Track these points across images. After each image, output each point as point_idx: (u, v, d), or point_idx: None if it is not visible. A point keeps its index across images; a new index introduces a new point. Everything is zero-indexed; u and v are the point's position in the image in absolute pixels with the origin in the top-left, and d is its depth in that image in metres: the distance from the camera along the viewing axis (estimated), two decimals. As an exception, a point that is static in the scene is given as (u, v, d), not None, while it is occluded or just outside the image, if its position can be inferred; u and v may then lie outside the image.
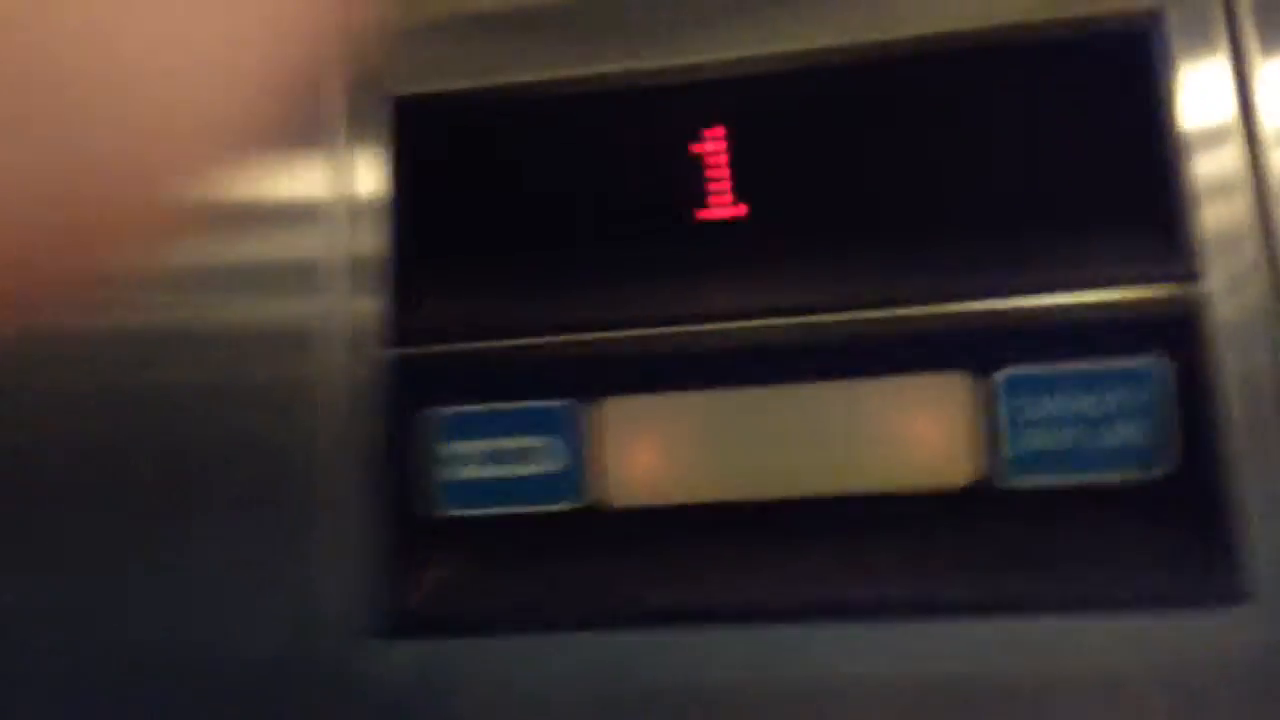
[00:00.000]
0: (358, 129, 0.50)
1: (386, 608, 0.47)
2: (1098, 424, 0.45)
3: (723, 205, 0.49)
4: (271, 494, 0.47)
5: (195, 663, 0.47)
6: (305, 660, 0.47)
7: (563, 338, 0.48)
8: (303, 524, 0.47)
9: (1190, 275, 0.44)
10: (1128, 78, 0.46)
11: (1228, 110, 0.45)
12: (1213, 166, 0.44)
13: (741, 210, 0.49)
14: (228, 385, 0.48)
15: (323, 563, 0.47)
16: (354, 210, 0.49)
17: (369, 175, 0.49)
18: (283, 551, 0.47)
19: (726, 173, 0.49)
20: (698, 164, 0.49)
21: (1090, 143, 0.47)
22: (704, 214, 0.49)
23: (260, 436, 0.48)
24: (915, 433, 0.47)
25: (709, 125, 0.49)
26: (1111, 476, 0.45)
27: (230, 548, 0.47)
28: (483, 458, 0.49)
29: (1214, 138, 0.45)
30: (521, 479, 0.49)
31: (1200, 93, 0.45)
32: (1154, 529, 0.45)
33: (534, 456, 0.49)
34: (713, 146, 0.49)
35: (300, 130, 0.50)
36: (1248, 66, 0.45)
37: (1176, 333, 0.44)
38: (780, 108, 0.49)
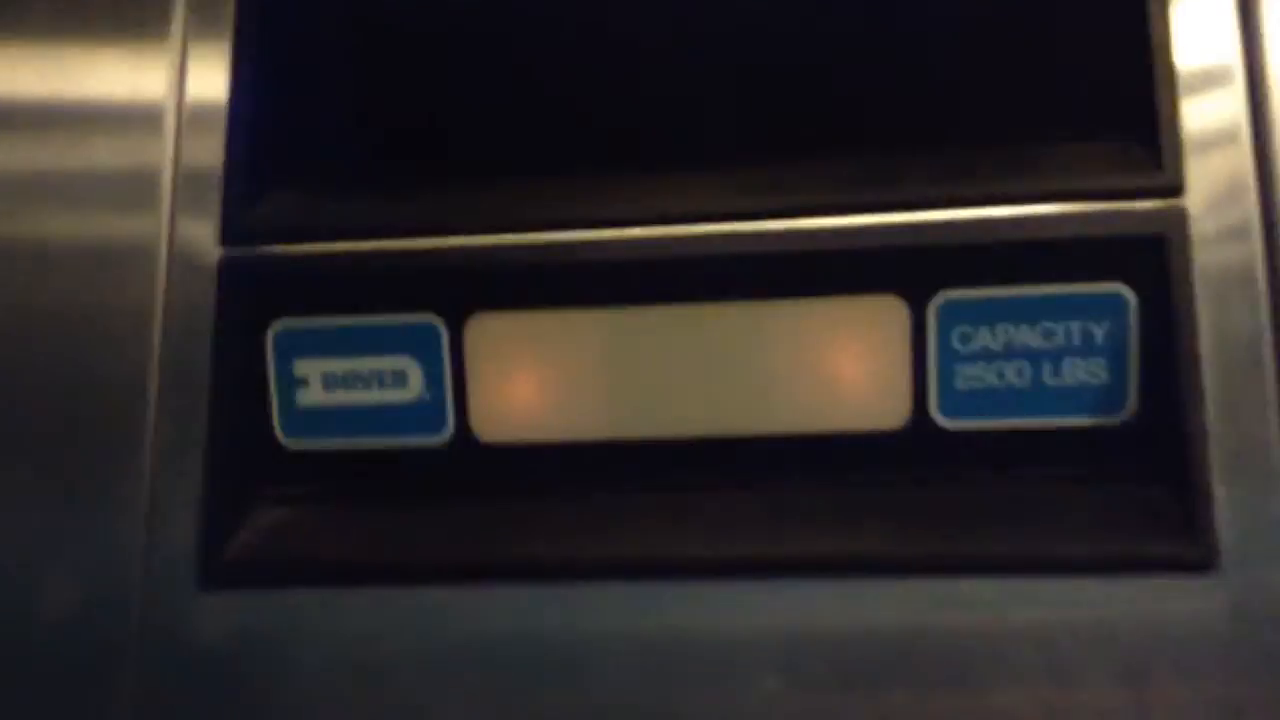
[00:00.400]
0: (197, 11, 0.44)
1: (214, 553, 0.41)
2: (1048, 359, 0.40)
3: (631, 89, 0.43)
4: (93, 424, 0.42)
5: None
6: (121, 612, 0.41)
7: (427, 241, 0.41)
8: (126, 458, 0.42)
9: (1167, 190, 0.38)
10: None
11: (1228, 40, 0.39)
12: (1208, 101, 0.39)
13: (651, 97, 0.43)
14: (42, 307, 0.43)
15: (148, 503, 0.41)
16: (190, 107, 0.43)
17: (208, 67, 0.43)
18: (103, 489, 0.42)
19: (638, 47, 0.43)
20: (601, 36, 0.43)
21: (1058, 44, 0.41)
22: (606, 101, 0.43)
23: (79, 363, 0.42)
24: (841, 364, 0.41)
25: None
26: (1063, 420, 0.40)
27: (42, 486, 0.42)
28: (332, 381, 0.43)
29: (1211, 70, 0.39)
30: (377, 407, 0.43)
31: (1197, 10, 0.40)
32: (1108, 482, 0.40)
33: (392, 380, 0.43)
34: (619, 24, 0.43)
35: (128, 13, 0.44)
36: None
37: (1145, 256, 0.39)
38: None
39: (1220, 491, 0.37)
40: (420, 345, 0.42)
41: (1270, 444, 0.37)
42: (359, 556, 0.41)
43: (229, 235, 0.42)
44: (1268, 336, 0.37)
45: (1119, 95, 0.40)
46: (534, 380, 0.42)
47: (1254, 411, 0.37)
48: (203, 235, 0.42)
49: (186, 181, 0.42)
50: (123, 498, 0.41)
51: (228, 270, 0.42)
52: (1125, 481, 0.40)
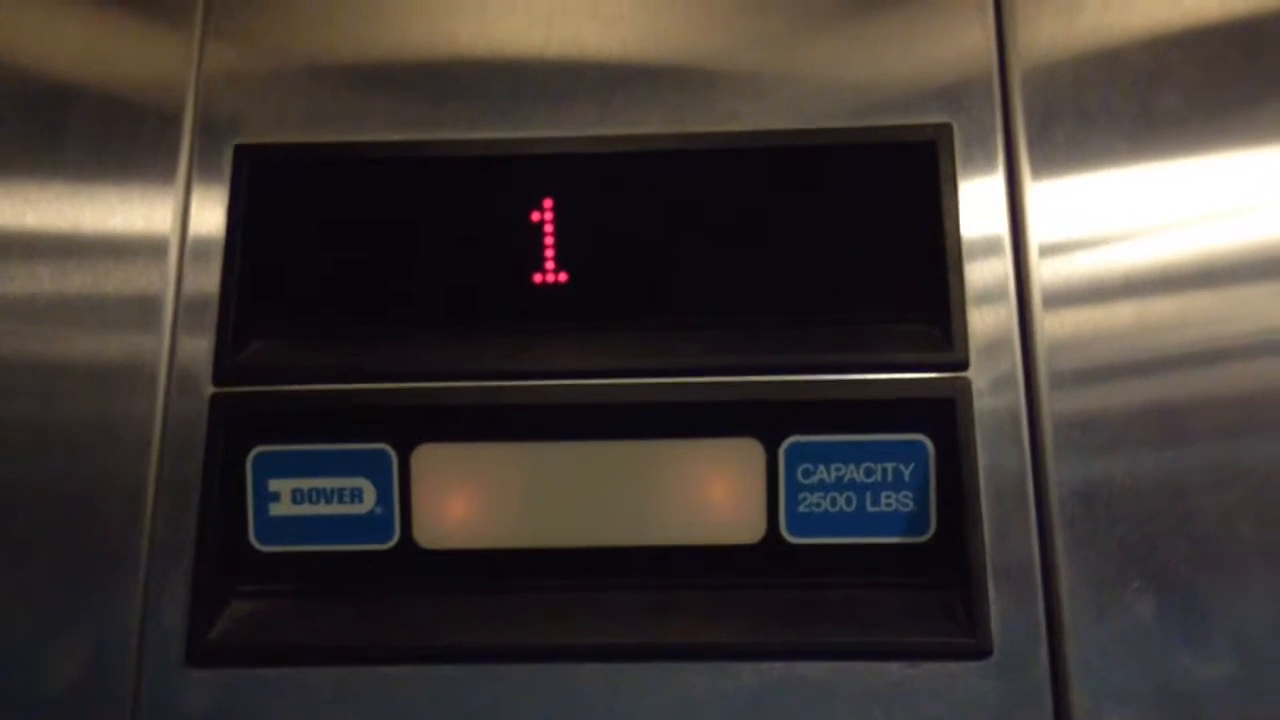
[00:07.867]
0: (201, 171, 0.51)
1: (199, 636, 0.47)
2: (870, 491, 0.49)
3: (547, 272, 0.51)
4: (90, 527, 0.48)
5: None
6: (119, 684, 0.47)
7: (381, 386, 0.49)
8: (120, 556, 0.48)
9: (957, 367, 0.48)
10: (918, 184, 0.49)
11: (1000, 222, 0.49)
12: (984, 271, 0.49)
13: (564, 278, 0.51)
14: (48, 419, 0.49)
15: (144, 593, 0.47)
16: (190, 249, 0.50)
17: (208, 217, 0.50)
18: (105, 581, 0.47)
19: (553, 242, 0.51)
20: (527, 232, 0.51)
21: (883, 241, 0.51)
22: (528, 280, 0.51)
23: (81, 470, 0.48)
24: (712, 491, 0.50)
25: (540, 196, 0.51)
26: (881, 539, 0.49)
27: (42, 578, 0.48)
28: (300, 496, 0.50)
29: (986, 246, 0.49)
30: (336, 517, 0.50)
31: (977, 203, 0.50)
32: (914, 588, 0.49)
33: (348, 496, 0.50)
34: (543, 217, 0.51)
35: (144, 166, 0.51)
36: (1019, 184, 0.50)
37: (941, 416, 0.48)
38: (608, 185, 0.51)
39: (994, 595, 0.46)
40: (373, 468, 0.50)
41: (1031, 558, 0.47)
42: (318, 642, 0.48)
43: (219, 377, 0.49)
44: (1029, 474, 0.47)
45: (923, 290, 0.50)
46: (465, 498, 0.50)
47: (1019, 533, 0.47)
48: (200, 357, 0.48)
49: (186, 309, 0.49)
50: (122, 589, 0.47)
51: (217, 406, 0.49)
52: (926, 588, 0.48)
